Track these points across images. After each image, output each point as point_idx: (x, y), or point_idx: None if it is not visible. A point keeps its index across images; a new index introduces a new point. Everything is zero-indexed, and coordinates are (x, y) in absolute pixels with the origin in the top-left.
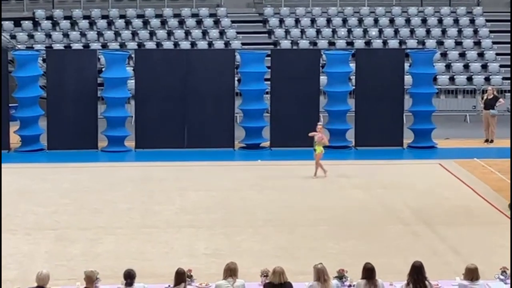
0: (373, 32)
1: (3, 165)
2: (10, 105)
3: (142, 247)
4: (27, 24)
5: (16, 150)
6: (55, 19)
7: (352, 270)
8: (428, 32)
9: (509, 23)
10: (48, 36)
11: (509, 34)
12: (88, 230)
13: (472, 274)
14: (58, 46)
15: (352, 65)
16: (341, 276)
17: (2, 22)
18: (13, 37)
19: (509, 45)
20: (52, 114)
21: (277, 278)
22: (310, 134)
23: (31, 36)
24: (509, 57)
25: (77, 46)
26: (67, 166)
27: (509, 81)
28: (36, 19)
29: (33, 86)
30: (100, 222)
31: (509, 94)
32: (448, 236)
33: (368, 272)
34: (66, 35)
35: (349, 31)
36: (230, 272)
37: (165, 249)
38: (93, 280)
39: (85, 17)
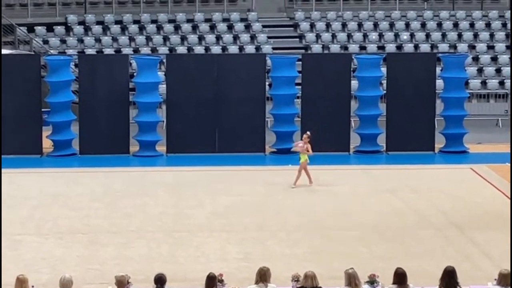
0: (405, 36)
1: (35, 170)
2: (42, 110)
3: (174, 251)
4: (59, 29)
5: (49, 154)
6: (87, 24)
7: (383, 275)
8: (459, 36)
9: None
10: (80, 41)
11: None
12: (119, 234)
13: (505, 279)
14: (90, 51)
15: (383, 69)
16: (372, 281)
17: (35, 27)
18: (45, 42)
19: None
20: (84, 119)
21: (309, 283)
22: (294, 144)
23: (63, 41)
24: None
25: (109, 51)
26: (99, 170)
27: None
28: (69, 24)
29: (65, 91)
30: (132, 226)
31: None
32: (480, 240)
33: (400, 277)
34: (98, 40)
35: (380, 35)
36: (262, 276)
37: (197, 253)
38: (124, 284)
39: (117, 22)
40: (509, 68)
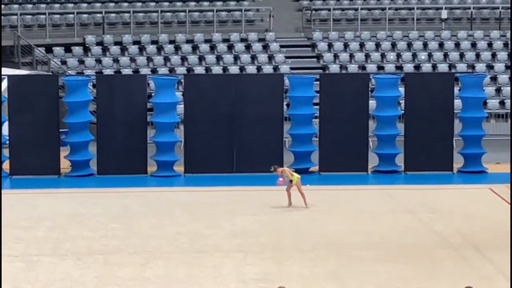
0: (423, 56)
1: (53, 190)
2: (60, 130)
3: (191, 271)
4: (77, 49)
5: (66, 175)
6: (105, 44)
7: None
8: (477, 56)
9: None
10: (98, 61)
11: None
12: (137, 255)
13: None
14: (108, 72)
15: (401, 89)
16: None
17: (53, 48)
18: (63, 62)
19: None
20: (102, 139)
21: None
22: (277, 183)
23: (81, 62)
24: None
25: (127, 71)
26: (117, 191)
27: None
28: (87, 45)
29: (83, 111)
30: (149, 247)
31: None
32: (498, 261)
33: None
34: (116, 60)
35: (398, 55)
36: None
37: (214, 274)
38: None
39: (135, 43)
40: None
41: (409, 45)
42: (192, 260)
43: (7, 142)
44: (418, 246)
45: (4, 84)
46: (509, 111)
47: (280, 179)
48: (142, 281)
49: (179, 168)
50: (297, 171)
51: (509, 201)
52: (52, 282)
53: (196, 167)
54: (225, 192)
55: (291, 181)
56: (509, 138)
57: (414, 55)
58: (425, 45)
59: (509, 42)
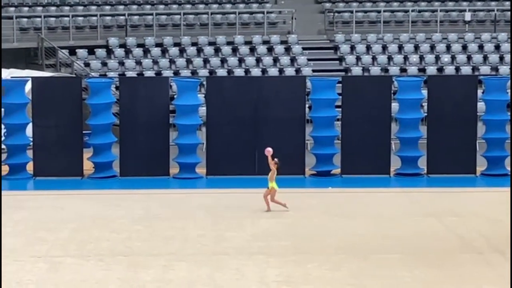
0: (446, 58)
1: (76, 192)
2: (83, 132)
3: (213, 273)
4: (100, 52)
5: (89, 176)
6: (128, 46)
7: None
8: (501, 58)
9: None
10: (121, 63)
11: None
12: (160, 257)
13: None
14: (130, 74)
15: (424, 92)
16: None
17: (77, 50)
18: (87, 64)
19: None
20: (125, 141)
21: None
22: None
23: (104, 64)
24: None
25: (149, 73)
26: (139, 192)
27: None
28: (110, 47)
29: (106, 113)
30: (172, 249)
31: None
32: None
33: None
34: (138, 62)
35: (421, 58)
36: None
37: (236, 276)
38: None
39: (158, 45)
40: None
41: (432, 48)
42: (214, 262)
43: (31, 143)
44: (441, 249)
45: (28, 86)
46: None
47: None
48: (165, 283)
49: (201, 170)
50: (319, 173)
51: None
52: (76, 284)
53: (218, 169)
54: (247, 194)
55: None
56: None
57: (437, 58)
58: (448, 47)
59: None
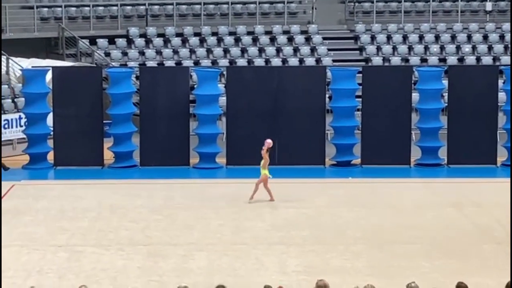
0: (467, 48)
1: (96, 181)
2: (104, 121)
3: (233, 263)
4: (121, 41)
5: (110, 166)
6: (148, 36)
7: None
8: None
9: None
10: (142, 53)
11: None
12: (180, 246)
13: None
14: (151, 63)
15: (445, 82)
16: None
17: (97, 40)
18: (107, 54)
19: None
20: (145, 130)
21: None
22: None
23: (124, 54)
24: None
25: (169, 63)
26: (159, 182)
27: None
28: (130, 37)
29: (126, 103)
30: (192, 238)
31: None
32: None
33: None
34: (159, 52)
35: (442, 48)
36: None
37: (256, 266)
38: None
39: (178, 35)
40: None
41: (453, 38)
42: (234, 252)
43: (51, 133)
44: (462, 240)
45: (49, 75)
46: None
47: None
48: (185, 272)
49: (221, 160)
50: (340, 163)
51: None
52: (96, 272)
53: (238, 159)
54: None
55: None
56: None
57: (458, 48)
58: (469, 37)
59: None
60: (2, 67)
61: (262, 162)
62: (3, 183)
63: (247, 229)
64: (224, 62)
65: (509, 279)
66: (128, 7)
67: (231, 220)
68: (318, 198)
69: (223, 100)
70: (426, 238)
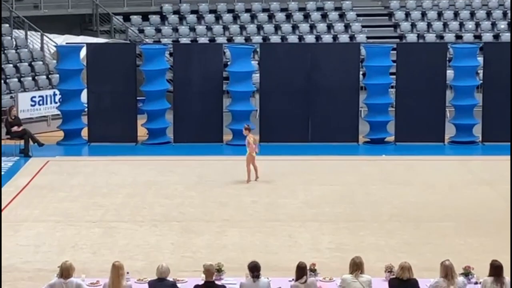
0: (502, 25)
1: (130, 158)
2: (137, 98)
3: (266, 240)
4: (154, 18)
5: (143, 143)
6: (182, 13)
7: (478, 267)
8: None
9: None
10: (175, 30)
11: None
12: (213, 223)
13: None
14: (184, 40)
15: (480, 59)
16: (467, 273)
17: (131, 17)
18: (141, 31)
19: None
20: (179, 107)
21: (405, 274)
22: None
23: (158, 30)
24: None
25: (203, 40)
26: (193, 159)
27: None
28: (164, 13)
29: (160, 80)
30: (225, 215)
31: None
32: None
33: (496, 270)
34: (192, 29)
35: (477, 24)
36: (357, 266)
37: (289, 243)
38: (212, 273)
39: (211, 11)
40: None
41: (488, 14)
42: (267, 229)
43: (86, 109)
44: (495, 218)
45: (83, 52)
46: None
47: (252, 144)
48: (218, 248)
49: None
50: (373, 141)
51: None
52: (130, 248)
53: (271, 136)
54: (300, 161)
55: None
56: None
57: (493, 24)
58: (504, 14)
59: None
60: (37, 43)
61: (247, 143)
62: (38, 159)
63: (280, 206)
64: (257, 39)
65: None
66: None
67: (264, 197)
68: (351, 175)
69: (256, 77)
70: (459, 216)
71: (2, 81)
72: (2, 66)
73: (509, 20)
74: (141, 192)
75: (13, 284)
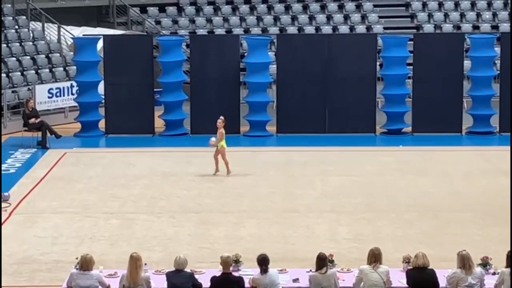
0: None
1: (147, 149)
2: (154, 90)
3: (284, 231)
4: (171, 9)
5: (161, 134)
6: (198, 4)
7: (496, 258)
8: None
9: None
10: (192, 21)
11: None
12: (230, 214)
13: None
14: (201, 32)
15: (497, 50)
16: (485, 264)
17: (148, 8)
18: (158, 22)
19: None
20: (195, 98)
21: (420, 261)
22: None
23: (175, 22)
24: None
25: (220, 31)
26: (210, 150)
27: None
28: (180, 5)
29: (177, 71)
30: (243, 206)
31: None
32: None
33: None
34: (209, 20)
35: (494, 15)
36: (375, 258)
37: (307, 234)
38: (230, 264)
39: (228, 3)
40: None
41: (505, 4)
42: (285, 219)
43: (103, 101)
44: None
45: (100, 44)
46: None
47: (213, 139)
48: (235, 239)
49: (271, 128)
50: (390, 131)
51: None
52: (148, 240)
53: (288, 127)
54: (317, 152)
55: (217, 146)
56: None
57: (511, 15)
58: None
59: None
60: (54, 35)
61: (218, 134)
62: (55, 150)
63: (298, 196)
64: (274, 30)
65: None
66: None
67: (281, 188)
68: (369, 166)
69: (273, 68)
70: (477, 206)
71: (20, 73)
72: (20, 58)
73: None
74: (158, 183)
75: (31, 276)
